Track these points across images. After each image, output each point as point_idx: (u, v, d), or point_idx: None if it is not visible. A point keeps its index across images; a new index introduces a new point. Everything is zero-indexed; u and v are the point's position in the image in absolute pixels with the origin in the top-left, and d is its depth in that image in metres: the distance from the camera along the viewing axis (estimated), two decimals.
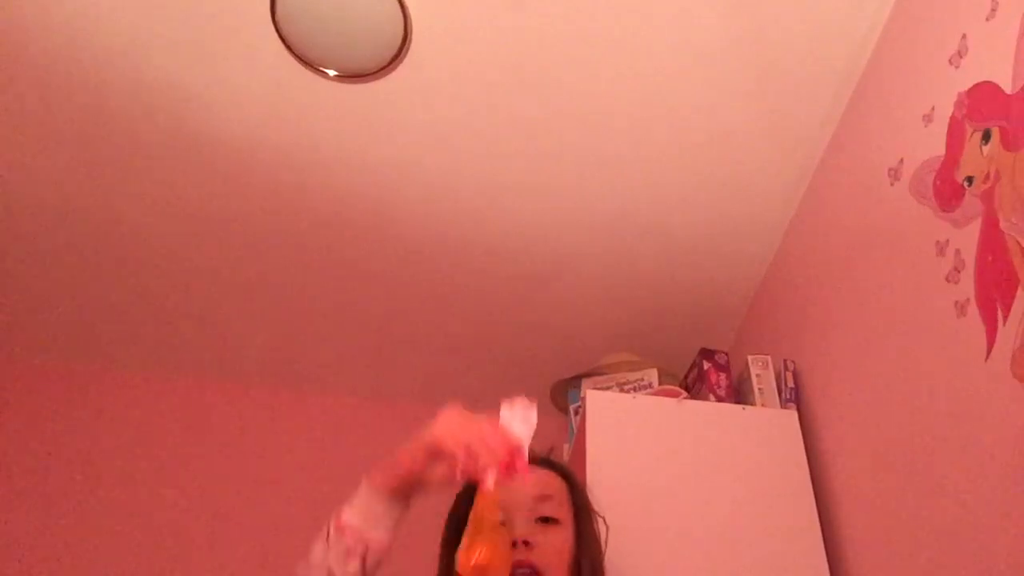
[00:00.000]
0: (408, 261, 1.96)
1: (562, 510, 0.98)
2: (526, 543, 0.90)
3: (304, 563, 0.86)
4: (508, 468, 0.78)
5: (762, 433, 1.53)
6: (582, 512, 1.01)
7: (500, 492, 0.94)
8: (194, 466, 2.23)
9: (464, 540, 0.81)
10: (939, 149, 1.19)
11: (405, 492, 0.86)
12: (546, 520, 0.96)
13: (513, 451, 0.79)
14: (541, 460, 1.05)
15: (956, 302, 1.10)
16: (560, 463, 1.09)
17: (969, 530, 1.03)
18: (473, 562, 0.76)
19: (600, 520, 1.05)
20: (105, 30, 1.45)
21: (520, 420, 0.82)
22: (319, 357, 2.31)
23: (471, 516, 0.82)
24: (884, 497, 1.27)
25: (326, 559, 0.83)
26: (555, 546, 0.94)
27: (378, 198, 1.79)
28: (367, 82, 1.54)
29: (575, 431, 1.70)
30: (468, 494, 1.01)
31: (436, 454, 0.83)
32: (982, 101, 1.09)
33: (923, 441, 1.17)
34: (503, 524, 0.93)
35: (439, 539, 1.03)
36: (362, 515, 0.85)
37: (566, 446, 1.82)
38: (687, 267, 1.96)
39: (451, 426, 0.82)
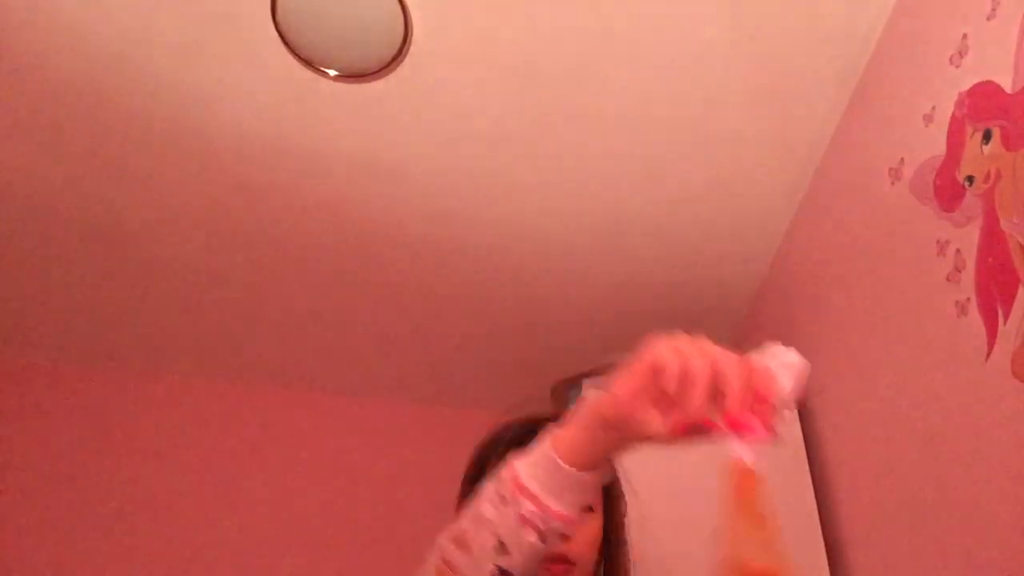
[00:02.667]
0: (408, 261, 1.96)
1: (596, 494, 0.88)
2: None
3: (452, 527, 0.69)
4: (745, 427, 0.51)
5: None
6: (613, 500, 0.93)
7: None
8: (194, 465, 2.23)
9: (727, 532, 0.64)
10: (940, 149, 1.19)
11: (600, 455, 0.64)
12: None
13: (768, 400, 0.53)
14: None
15: (956, 302, 1.10)
16: None
17: (969, 529, 1.03)
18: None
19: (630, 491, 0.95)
20: (105, 30, 1.45)
21: (778, 363, 0.56)
22: (319, 357, 2.31)
23: (731, 500, 0.63)
24: (884, 497, 1.27)
25: (497, 517, 0.65)
26: (589, 536, 0.87)
27: (378, 198, 1.79)
28: (367, 82, 1.54)
29: None
30: (523, 428, 0.90)
31: (653, 380, 0.58)
32: (983, 101, 1.09)
33: (923, 441, 1.17)
34: None
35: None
36: (540, 482, 0.64)
37: None
38: (687, 267, 1.96)
39: (679, 345, 0.58)
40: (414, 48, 1.48)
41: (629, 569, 0.95)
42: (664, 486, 1.39)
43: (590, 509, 0.85)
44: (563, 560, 0.84)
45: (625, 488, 0.97)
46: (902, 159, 1.31)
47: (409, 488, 2.26)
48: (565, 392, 1.95)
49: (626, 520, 0.96)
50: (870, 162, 1.43)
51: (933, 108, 1.22)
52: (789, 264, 1.82)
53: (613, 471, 0.84)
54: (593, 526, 0.89)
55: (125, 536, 2.07)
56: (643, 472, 1.35)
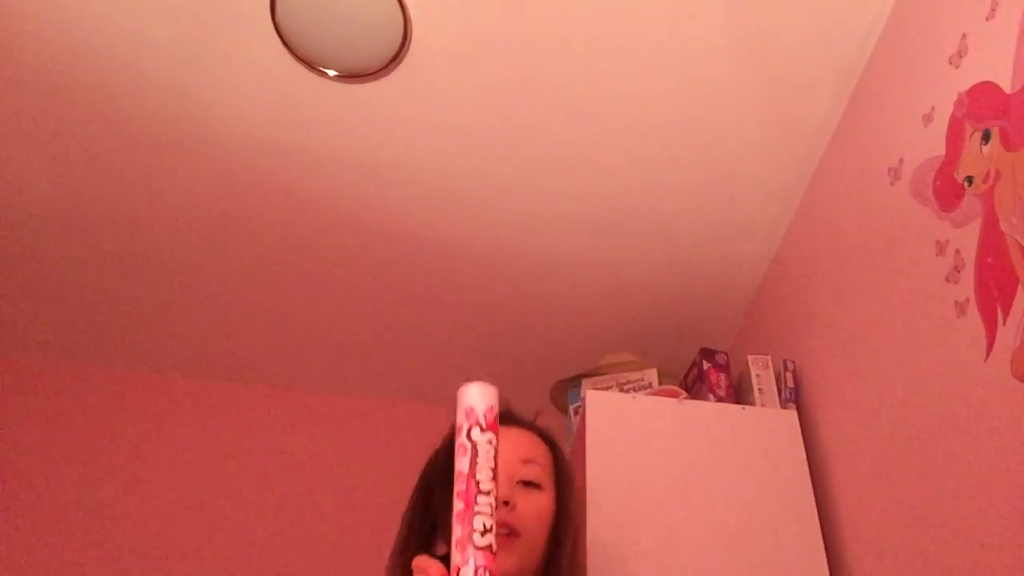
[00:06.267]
0: (408, 261, 1.96)
1: (545, 475, 0.97)
2: (506, 503, 0.89)
3: None
4: None
5: (762, 433, 1.53)
6: (564, 481, 0.99)
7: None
8: (194, 466, 2.23)
9: None
10: (939, 149, 1.19)
11: None
12: (528, 484, 0.94)
13: None
14: (528, 424, 1.03)
15: (956, 302, 1.10)
16: (545, 430, 1.06)
17: (969, 530, 1.03)
18: None
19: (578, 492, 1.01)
20: (105, 30, 1.45)
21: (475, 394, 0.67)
22: (319, 357, 2.31)
23: None
24: (884, 497, 1.27)
25: None
26: (536, 510, 0.92)
27: (378, 198, 1.79)
28: (367, 82, 1.54)
29: (575, 431, 1.70)
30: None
31: None
32: (982, 101, 1.09)
33: (923, 441, 1.17)
34: None
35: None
36: None
37: (565, 446, 1.82)
38: (687, 267, 1.96)
39: None
40: (414, 48, 1.48)
41: (579, 550, 0.98)
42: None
43: (539, 486, 0.93)
44: (509, 530, 0.87)
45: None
46: (901, 159, 1.31)
47: (406, 487, 2.26)
48: (564, 392, 1.95)
49: (578, 502, 1.00)
50: (869, 162, 1.43)
51: (932, 108, 1.22)
52: (788, 264, 1.82)
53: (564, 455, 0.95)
54: (542, 501, 0.93)
55: (124, 535, 2.07)
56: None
